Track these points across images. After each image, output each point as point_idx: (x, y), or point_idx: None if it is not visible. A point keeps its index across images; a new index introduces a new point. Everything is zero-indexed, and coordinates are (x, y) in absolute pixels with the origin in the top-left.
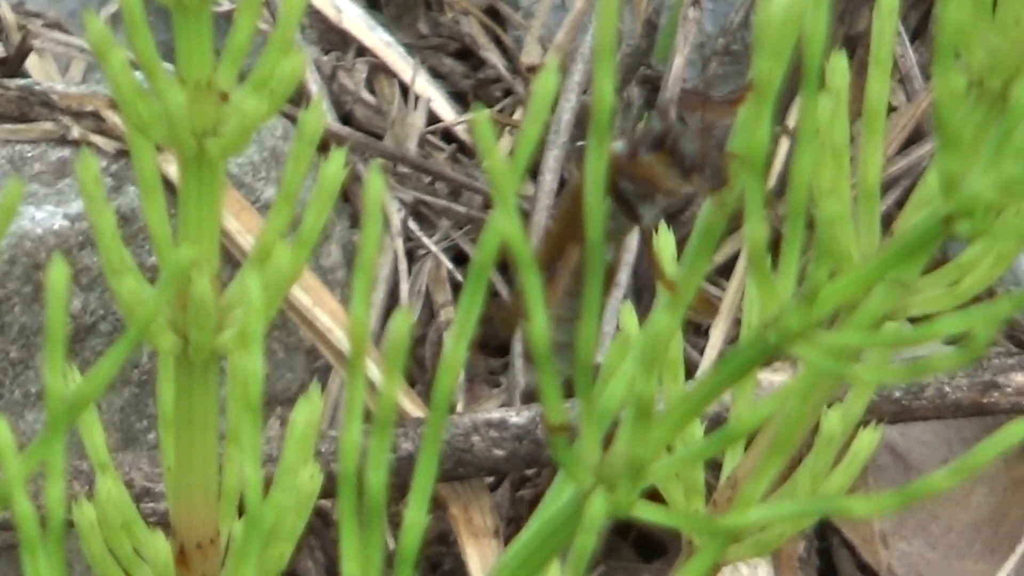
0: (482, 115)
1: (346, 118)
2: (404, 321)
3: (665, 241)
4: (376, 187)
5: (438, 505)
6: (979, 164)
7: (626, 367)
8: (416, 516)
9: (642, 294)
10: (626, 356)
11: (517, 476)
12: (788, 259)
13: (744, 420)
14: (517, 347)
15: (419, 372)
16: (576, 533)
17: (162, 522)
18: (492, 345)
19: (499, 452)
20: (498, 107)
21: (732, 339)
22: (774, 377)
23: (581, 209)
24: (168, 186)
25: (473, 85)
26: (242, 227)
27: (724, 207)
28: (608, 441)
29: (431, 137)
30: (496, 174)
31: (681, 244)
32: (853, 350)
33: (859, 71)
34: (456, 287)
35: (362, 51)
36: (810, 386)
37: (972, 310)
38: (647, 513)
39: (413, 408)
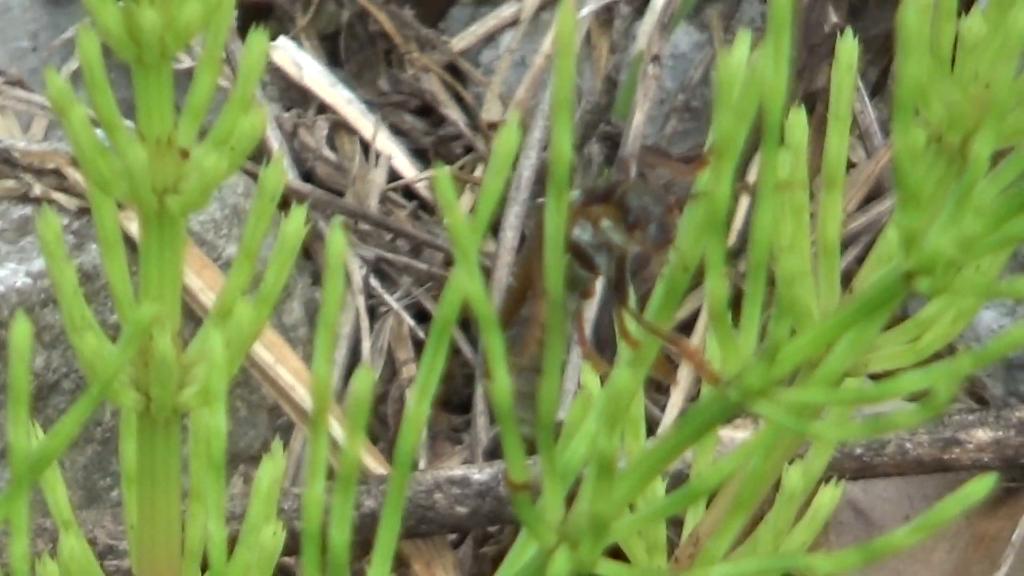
0: (443, 172)
1: (307, 175)
2: (367, 378)
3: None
4: (338, 244)
5: (401, 562)
6: (939, 221)
7: (588, 425)
8: (380, 573)
9: (603, 351)
10: (588, 414)
11: (480, 533)
12: (749, 316)
13: (706, 477)
14: (479, 404)
15: (381, 429)
16: None
17: None
18: (454, 402)
19: (462, 509)
20: (459, 164)
21: (693, 396)
22: (735, 434)
23: (540, 263)
24: (130, 244)
25: (434, 142)
26: (204, 284)
27: (683, 264)
28: (571, 498)
29: (392, 194)
30: (457, 231)
31: (643, 300)
32: (814, 407)
33: (818, 127)
34: (418, 344)
35: (323, 108)
36: (771, 443)
37: (933, 367)
38: (610, 571)
39: (376, 465)
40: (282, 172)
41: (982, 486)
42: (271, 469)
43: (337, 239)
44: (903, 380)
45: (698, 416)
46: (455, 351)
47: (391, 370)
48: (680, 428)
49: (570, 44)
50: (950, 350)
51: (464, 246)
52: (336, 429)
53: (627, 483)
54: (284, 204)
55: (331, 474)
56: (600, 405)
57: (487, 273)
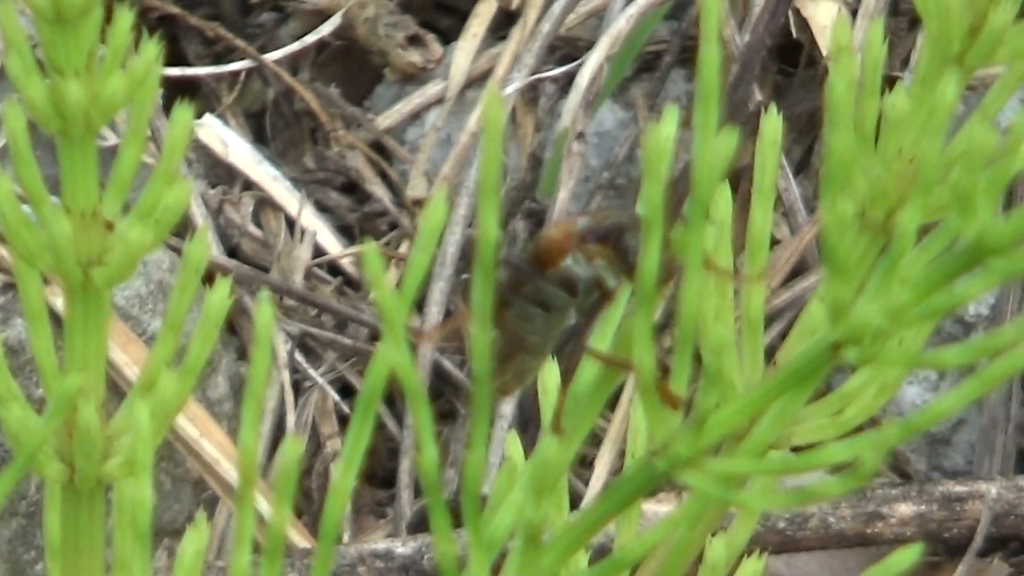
0: (371, 247)
1: (233, 251)
2: (294, 448)
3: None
4: (266, 315)
5: None
6: (866, 291)
7: (514, 496)
8: None
9: (528, 425)
10: (513, 485)
11: None
12: (676, 387)
13: (631, 549)
14: (403, 478)
15: (305, 503)
16: None
17: None
18: (379, 476)
19: None
20: (384, 240)
21: (616, 470)
22: (659, 508)
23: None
24: (55, 319)
25: (359, 218)
26: (129, 359)
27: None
28: (496, 571)
29: (317, 270)
30: (385, 304)
31: (566, 376)
32: (740, 478)
33: (743, 204)
34: (342, 419)
35: (249, 185)
36: (696, 515)
37: (859, 438)
38: None
39: (300, 539)
40: (207, 246)
41: (906, 558)
42: (195, 541)
43: (265, 310)
44: (829, 450)
45: (624, 486)
46: (380, 426)
47: (315, 445)
48: (606, 498)
49: (497, 126)
50: (873, 424)
51: (391, 319)
52: (261, 503)
53: (553, 553)
54: (208, 279)
55: (256, 547)
56: (527, 476)
57: (412, 348)
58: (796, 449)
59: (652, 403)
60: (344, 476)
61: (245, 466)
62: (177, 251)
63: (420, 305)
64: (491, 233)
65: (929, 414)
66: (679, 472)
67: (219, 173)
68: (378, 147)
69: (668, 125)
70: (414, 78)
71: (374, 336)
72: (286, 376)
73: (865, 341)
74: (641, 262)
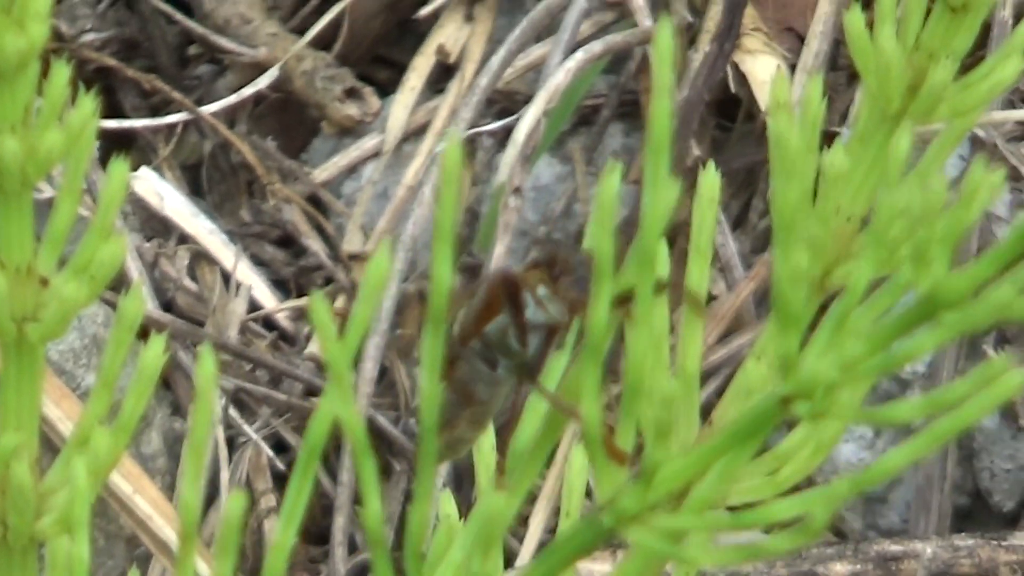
0: (317, 298)
1: (168, 305)
2: (236, 504)
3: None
4: (207, 368)
5: None
6: (815, 345)
7: (453, 553)
8: None
9: (462, 483)
10: (452, 542)
11: None
12: (622, 442)
13: None
14: (338, 535)
15: (240, 560)
16: None
17: None
18: (313, 533)
19: None
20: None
21: (551, 528)
22: (592, 566)
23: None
24: None
25: (295, 273)
26: (62, 414)
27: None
28: None
29: (252, 324)
30: (331, 355)
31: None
32: (684, 533)
33: (679, 260)
34: (276, 475)
35: (184, 238)
36: (639, 572)
37: (807, 494)
38: None
39: None
40: (142, 301)
41: None
42: None
43: (207, 363)
44: (777, 507)
45: (570, 541)
46: (314, 482)
47: (250, 501)
48: (551, 553)
49: (455, 172)
50: (809, 484)
51: (337, 370)
52: (197, 562)
53: None
54: (143, 334)
55: None
56: (468, 532)
57: None
58: (731, 509)
59: (599, 457)
60: (284, 532)
61: (186, 523)
62: (112, 305)
63: (355, 361)
64: (444, 284)
65: (874, 472)
66: (625, 528)
67: (154, 226)
68: (314, 200)
69: (614, 177)
70: (351, 131)
71: (309, 392)
72: (220, 432)
73: (816, 395)
74: (590, 312)
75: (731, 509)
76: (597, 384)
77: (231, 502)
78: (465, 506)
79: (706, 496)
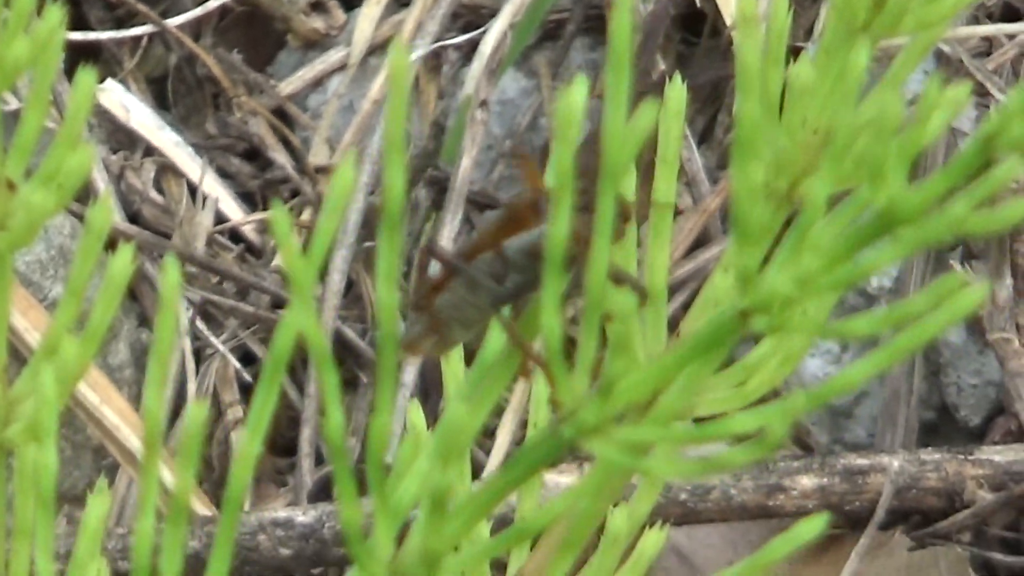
0: (279, 210)
1: (134, 217)
2: (198, 414)
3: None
4: (172, 278)
5: None
6: (776, 260)
7: (420, 464)
8: None
9: (429, 394)
10: (418, 454)
11: (303, 575)
12: (584, 355)
13: (535, 518)
14: (304, 447)
15: (206, 471)
16: None
17: None
18: (279, 445)
19: (285, 551)
20: (287, 207)
21: (519, 440)
22: (560, 479)
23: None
24: None
25: (261, 185)
26: (29, 324)
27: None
28: (400, 540)
29: (219, 237)
30: (293, 269)
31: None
32: (647, 446)
33: (646, 173)
34: (243, 387)
35: (150, 151)
36: (600, 484)
37: (765, 408)
38: None
39: (201, 507)
40: (110, 210)
41: (811, 528)
42: (98, 507)
43: (172, 273)
44: (736, 420)
45: (530, 454)
46: (280, 394)
47: (216, 412)
48: (512, 466)
49: (402, 84)
50: (776, 396)
51: (300, 284)
52: (163, 471)
53: (460, 519)
54: (110, 245)
55: (158, 516)
56: (434, 442)
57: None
58: (699, 420)
59: (559, 369)
60: (250, 443)
61: (150, 430)
62: (78, 216)
63: (322, 273)
64: (397, 195)
65: (835, 385)
66: (586, 440)
67: (120, 139)
68: (280, 113)
69: (579, 91)
70: (317, 44)
71: (276, 304)
72: (187, 343)
73: (774, 309)
74: (551, 225)
75: (700, 421)
76: (558, 297)
77: (191, 414)
78: (432, 418)
79: (670, 408)
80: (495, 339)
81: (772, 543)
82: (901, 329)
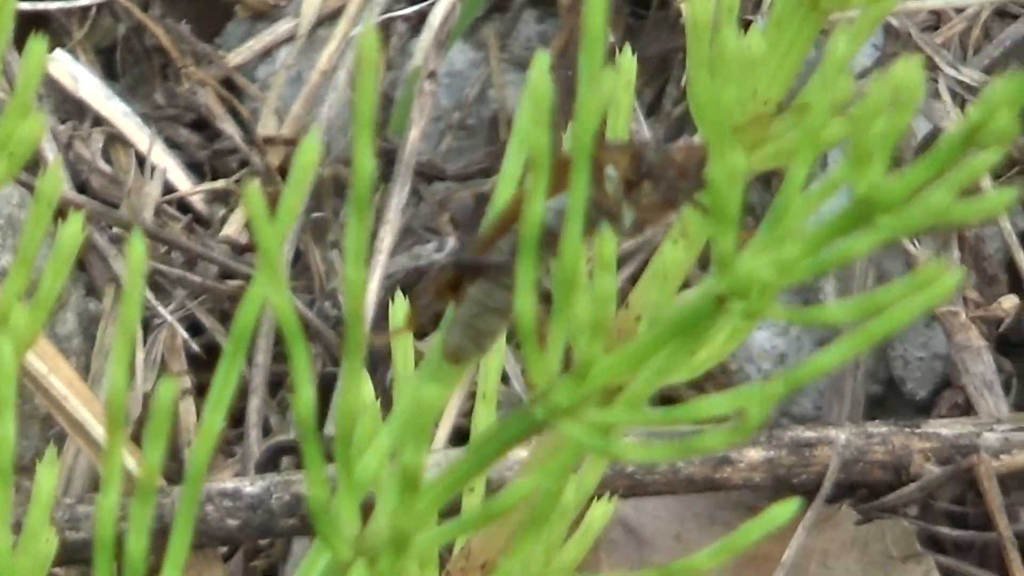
0: (253, 188)
1: (82, 187)
2: (170, 387)
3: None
4: (138, 253)
5: None
6: (754, 243)
7: (380, 439)
8: None
9: (376, 368)
10: (378, 429)
11: (250, 546)
12: (556, 334)
13: (504, 497)
14: (252, 417)
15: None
16: None
17: None
18: (227, 415)
19: (232, 521)
20: (234, 177)
21: (466, 412)
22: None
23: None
24: None
25: (209, 156)
26: None
27: None
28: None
29: (167, 207)
30: (264, 240)
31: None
32: (618, 427)
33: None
34: (191, 356)
35: (99, 121)
36: (570, 463)
37: (743, 390)
38: None
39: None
40: (59, 179)
41: (784, 512)
42: (49, 478)
43: (137, 248)
44: (711, 402)
45: (502, 433)
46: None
47: None
48: (484, 444)
49: (372, 60)
50: (722, 370)
51: (269, 256)
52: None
53: (429, 498)
54: (59, 215)
55: (99, 487)
56: (399, 420)
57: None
58: (669, 401)
59: (533, 349)
60: (211, 417)
61: (114, 402)
62: (27, 186)
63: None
64: (366, 172)
65: (808, 370)
66: (558, 421)
67: (69, 109)
68: (229, 84)
69: (544, 67)
70: (265, 15)
71: (224, 274)
72: None
73: (752, 294)
74: (525, 205)
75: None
76: (532, 276)
77: (162, 389)
78: (379, 389)
79: (642, 391)
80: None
81: (746, 526)
82: (873, 316)
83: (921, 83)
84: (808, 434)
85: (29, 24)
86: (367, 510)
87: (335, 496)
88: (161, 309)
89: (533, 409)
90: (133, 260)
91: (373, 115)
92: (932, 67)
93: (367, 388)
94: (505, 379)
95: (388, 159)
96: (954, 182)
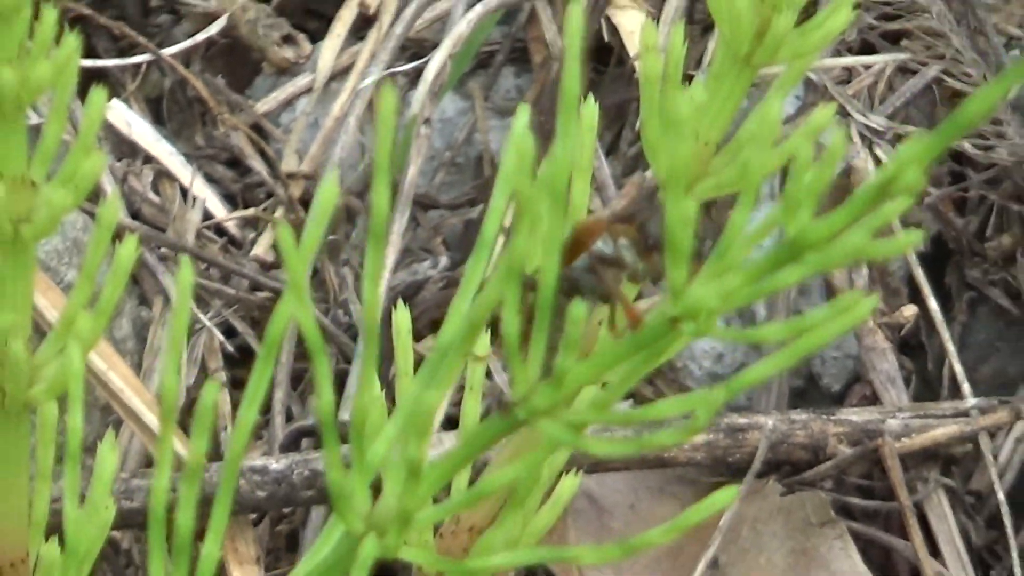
0: (284, 227)
1: (135, 214)
2: (213, 389)
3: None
4: (186, 274)
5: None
6: (701, 275)
7: (388, 430)
8: (212, 550)
9: (380, 364)
10: (385, 420)
11: (276, 514)
12: (536, 348)
13: (494, 480)
14: (277, 406)
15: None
16: (351, 570)
17: None
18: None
19: (261, 493)
20: (262, 207)
21: (455, 402)
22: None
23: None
24: None
25: (241, 188)
26: (48, 303)
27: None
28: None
29: (206, 231)
30: (292, 264)
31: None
32: (586, 426)
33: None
34: (226, 356)
35: (149, 159)
36: (550, 453)
37: (691, 396)
38: (412, 555)
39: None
40: (116, 209)
41: (724, 497)
42: (109, 457)
43: (186, 272)
44: (666, 405)
45: (487, 430)
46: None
47: (204, 376)
48: (473, 439)
49: (390, 115)
50: (670, 365)
51: (296, 277)
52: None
53: (428, 483)
54: (116, 238)
55: (149, 464)
56: (404, 417)
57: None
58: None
59: (515, 360)
60: (247, 411)
61: (167, 399)
62: (90, 214)
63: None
64: (383, 210)
65: (748, 378)
66: (538, 420)
67: (123, 149)
68: (257, 128)
69: (523, 119)
70: (287, 71)
71: (254, 287)
72: None
73: (700, 317)
74: (511, 239)
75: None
76: (516, 298)
77: (206, 390)
78: (383, 382)
79: (612, 395)
80: (451, 325)
81: (692, 508)
82: (800, 335)
83: (843, 144)
84: (741, 420)
85: (90, 78)
86: (375, 491)
87: (348, 477)
88: (201, 316)
89: (515, 411)
90: (182, 281)
91: (391, 164)
92: (844, 114)
93: (375, 384)
94: (489, 375)
95: (391, 191)
96: (869, 225)
